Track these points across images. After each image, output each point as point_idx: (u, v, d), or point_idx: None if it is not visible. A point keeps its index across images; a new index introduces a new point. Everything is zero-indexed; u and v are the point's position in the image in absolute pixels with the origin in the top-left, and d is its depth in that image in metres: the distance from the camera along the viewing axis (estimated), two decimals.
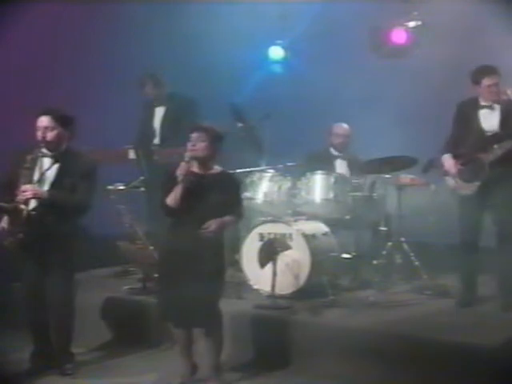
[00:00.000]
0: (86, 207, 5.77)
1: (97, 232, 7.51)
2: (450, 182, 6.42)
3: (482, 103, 6.30)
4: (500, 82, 6.25)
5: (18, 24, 7.38)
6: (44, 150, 5.71)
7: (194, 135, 5.48)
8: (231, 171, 5.97)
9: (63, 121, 5.75)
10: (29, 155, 5.65)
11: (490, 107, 6.28)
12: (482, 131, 6.29)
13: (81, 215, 5.84)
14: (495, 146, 6.18)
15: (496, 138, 6.21)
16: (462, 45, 7.74)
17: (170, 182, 5.46)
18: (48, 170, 5.70)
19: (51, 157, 5.72)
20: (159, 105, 7.91)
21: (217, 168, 5.60)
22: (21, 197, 5.57)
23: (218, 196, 5.44)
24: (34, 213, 5.60)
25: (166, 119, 7.87)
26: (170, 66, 8.09)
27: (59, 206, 5.64)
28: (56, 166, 5.72)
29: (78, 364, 5.99)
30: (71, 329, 5.93)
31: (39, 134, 5.68)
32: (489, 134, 6.26)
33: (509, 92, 6.16)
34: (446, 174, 6.44)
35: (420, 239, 7.20)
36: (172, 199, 5.42)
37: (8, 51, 7.59)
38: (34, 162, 5.68)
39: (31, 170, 5.67)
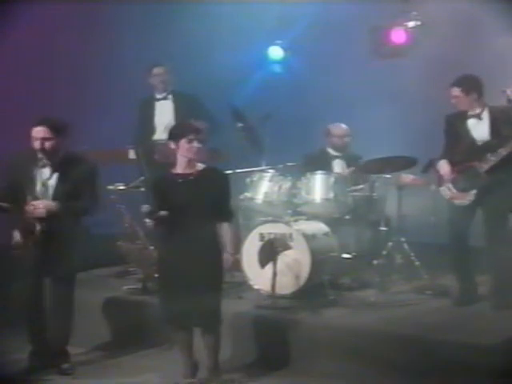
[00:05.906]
0: (94, 211, 5.86)
1: (97, 232, 7.51)
2: (446, 192, 6.41)
3: (470, 113, 6.29)
4: (463, 95, 6.22)
5: (17, 24, 7.39)
6: (43, 160, 5.71)
7: (193, 136, 5.42)
8: (227, 169, 5.96)
9: (59, 129, 5.74)
10: (30, 164, 5.67)
11: (478, 116, 6.26)
12: (472, 141, 6.28)
13: (87, 216, 5.92)
14: (488, 155, 6.18)
15: (488, 146, 6.20)
16: (462, 44, 7.74)
17: (160, 193, 5.46)
18: (49, 179, 5.73)
19: (50, 166, 5.74)
20: (162, 98, 7.87)
21: (200, 165, 5.56)
22: (32, 212, 5.61)
23: (209, 191, 5.42)
24: (44, 225, 5.65)
25: (178, 114, 7.72)
26: (171, 66, 8.08)
27: (68, 216, 5.70)
28: (56, 174, 5.75)
29: (75, 364, 6.01)
30: (70, 329, 5.96)
31: (37, 144, 5.68)
32: (479, 143, 6.26)
33: (508, 92, 6.15)
34: (441, 183, 6.44)
35: (420, 239, 7.19)
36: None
37: (8, 51, 7.59)
38: (36, 172, 5.70)
39: (34, 180, 5.69)
